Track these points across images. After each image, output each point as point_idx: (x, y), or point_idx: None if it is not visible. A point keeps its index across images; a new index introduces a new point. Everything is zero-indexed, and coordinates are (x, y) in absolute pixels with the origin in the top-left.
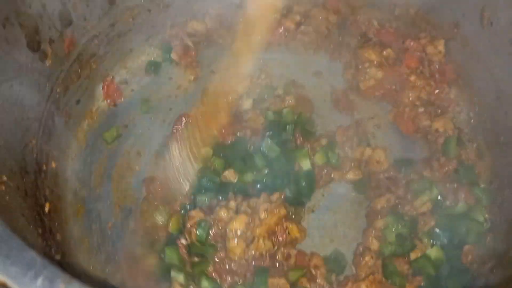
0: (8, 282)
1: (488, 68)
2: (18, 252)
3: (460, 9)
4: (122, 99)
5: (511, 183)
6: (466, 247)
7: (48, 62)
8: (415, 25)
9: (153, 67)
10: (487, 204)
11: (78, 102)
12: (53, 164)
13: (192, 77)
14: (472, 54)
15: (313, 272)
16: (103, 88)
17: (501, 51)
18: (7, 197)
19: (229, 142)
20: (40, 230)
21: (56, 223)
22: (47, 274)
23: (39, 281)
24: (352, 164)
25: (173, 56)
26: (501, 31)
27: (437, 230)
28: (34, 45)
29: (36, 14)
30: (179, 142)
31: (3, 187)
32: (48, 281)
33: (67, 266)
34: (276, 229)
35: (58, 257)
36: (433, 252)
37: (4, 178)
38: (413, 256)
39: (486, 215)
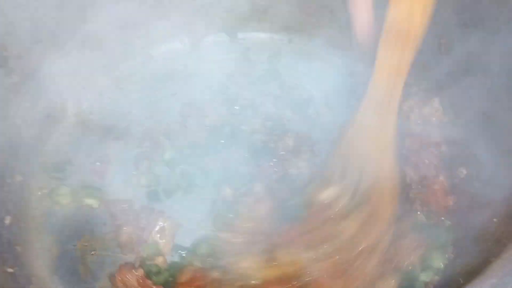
0: None
1: None
2: None
3: None
4: None
5: None
6: None
7: (14, 78)
8: None
9: None
10: None
11: (48, 116)
12: (18, 178)
13: None
14: None
15: None
16: None
17: None
18: None
19: None
20: None
21: (17, 236)
22: None
23: None
24: None
25: None
26: None
27: None
28: (1, 61)
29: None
30: None
31: None
32: None
33: (22, 278)
34: None
35: (11, 270)
36: None
37: None
38: None
39: None
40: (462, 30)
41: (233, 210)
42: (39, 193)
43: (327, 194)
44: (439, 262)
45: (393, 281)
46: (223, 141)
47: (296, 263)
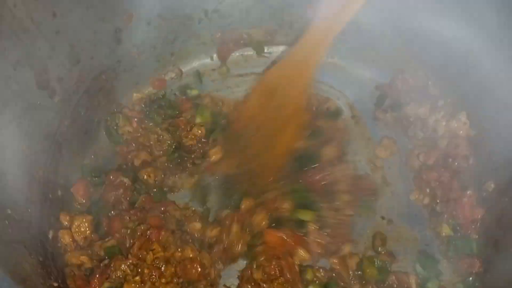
0: None
1: None
2: None
3: None
4: None
5: None
6: None
7: (56, 99)
8: None
9: None
10: None
11: (86, 133)
12: (59, 193)
13: None
14: None
15: None
16: None
17: None
18: (10, 230)
19: None
20: (40, 258)
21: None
22: None
23: None
24: None
25: None
26: None
27: None
28: (44, 84)
29: (45, 56)
30: None
31: (7, 222)
32: None
33: None
34: None
35: (56, 284)
36: None
37: (8, 211)
38: None
39: None
40: (488, 48)
41: None
42: (78, 206)
43: None
44: None
45: None
46: None
47: None
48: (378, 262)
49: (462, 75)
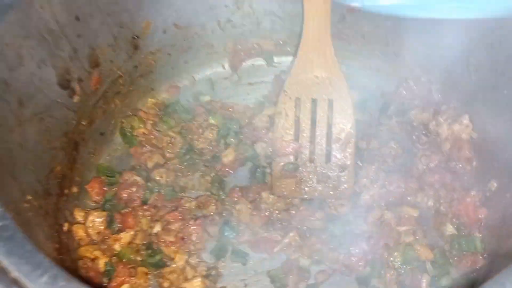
0: (21, 277)
1: None
2: (30, 254)
3: None
4: None
5: None
6: None
7: (76, 98)
8: None
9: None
10: None
11: (102, 134)
12: (75, 189)
13: None
14: None
15: None
16: None
17: None
18: (30, 213)
19: None
20: (57, 245)
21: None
22: (51, 273)
23: (45, 278)
24: None
25: None
26: None
27: None
28: (64, 84)
29: (67, 57)
30: None
31: (27, 205)
32: (51, 279)
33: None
34: None
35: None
36: None
37: (29, 197)
38: None
39: None
40: (488, 50)
41: None
42: (92, 203)
43: None
44: None
45: None
46: None
47: None
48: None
49: (465, 78)
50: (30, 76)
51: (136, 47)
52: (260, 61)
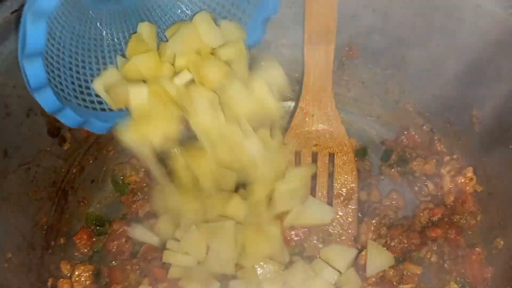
0: None
1: None
2: None
3: None
4: None
5: None
6: None
7: (66, 146)
8: None
9: None
10: None
11: (92, 181)
12: (61, 240)
13: None
14: None
15: None
16: None
17: None
18: (9, 274)
19: None
20: None
21: None
22: None
23: None
24: None
25: None
26: None
27: None
28: (55, 131)
29: None
30: None
31: (6, 265)
32: None
33: None
34: None
35: None
36: None
37: (9, 255)
38: None
39: None
40: (493, 103)
41: None
42: (80, 255)
43: None
44: None
45: None
46: None
47: None
48: None
49: (468, 130)
50: (18, 126)
51: None
52: None
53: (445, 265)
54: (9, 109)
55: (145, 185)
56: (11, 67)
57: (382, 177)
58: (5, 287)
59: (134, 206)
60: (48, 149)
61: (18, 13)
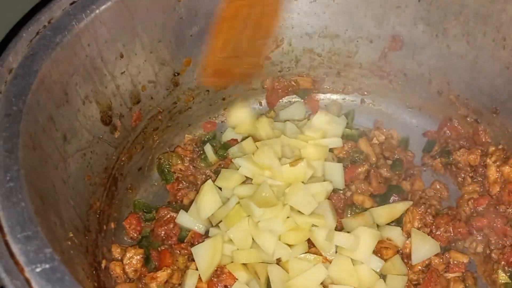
0: None
1: None
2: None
3: None
4: None
5: None
6: None
7: (117, 134)
8: None
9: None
10: None
11: (139, 169)
12: (112, 225)
13: None
14: None
15: None
16: None
17: None
18: (72, 251)
19: None
20: (95, 284)
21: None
22: None
23: None
24: None
25: None
26: None
27: None
28: (107, 120)
29: (110, 93)
30: None
31: (69, 243)
32: None
33: None
34: None
35: None
36: None
37: (71, 234)
38: None
39: None
40: None
41: None
42: (129, 240)
43: None
44: None
45: None
46: None
47: None
48: None
49: None
50: (75, 112)
51: (176, 84)
52: (296, 98)
53: (492, 254)
54: (68, 97)
55: (190, 173)
56: (70, 55)
57: (425, 168)
58: (70, 263)
59: (179, 194)
60: (101, 136)
61: (76, 3)
